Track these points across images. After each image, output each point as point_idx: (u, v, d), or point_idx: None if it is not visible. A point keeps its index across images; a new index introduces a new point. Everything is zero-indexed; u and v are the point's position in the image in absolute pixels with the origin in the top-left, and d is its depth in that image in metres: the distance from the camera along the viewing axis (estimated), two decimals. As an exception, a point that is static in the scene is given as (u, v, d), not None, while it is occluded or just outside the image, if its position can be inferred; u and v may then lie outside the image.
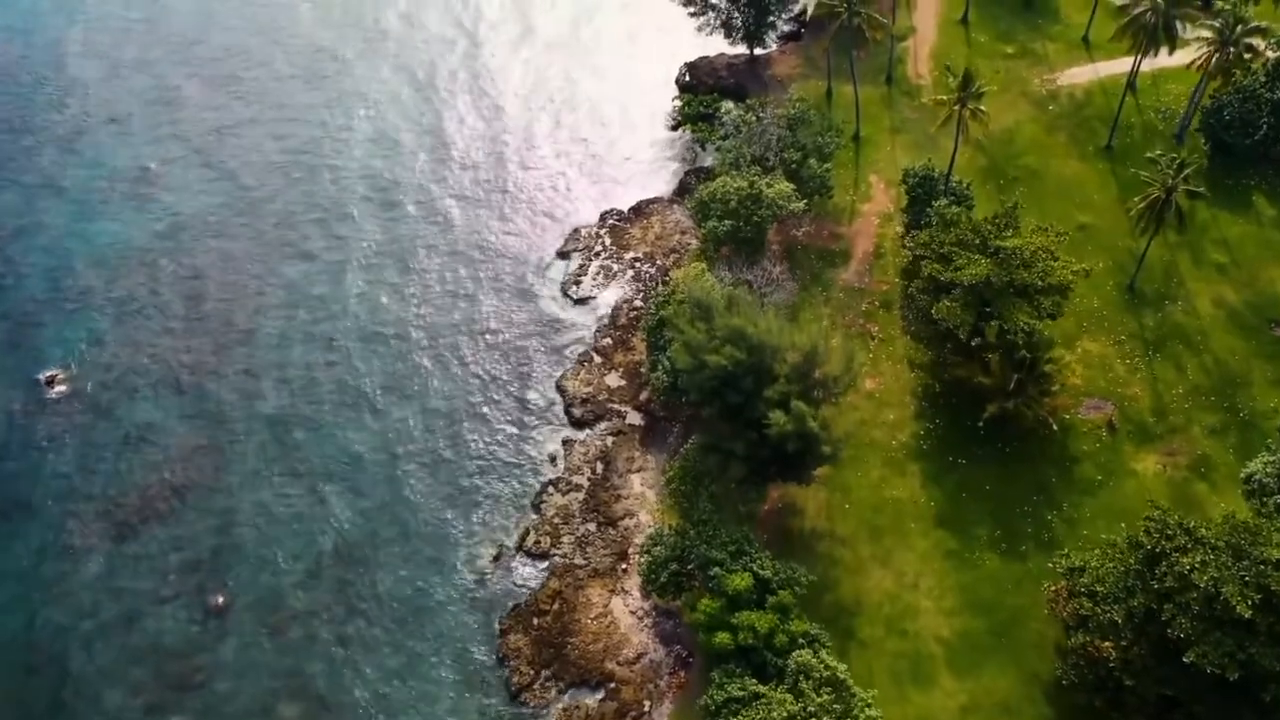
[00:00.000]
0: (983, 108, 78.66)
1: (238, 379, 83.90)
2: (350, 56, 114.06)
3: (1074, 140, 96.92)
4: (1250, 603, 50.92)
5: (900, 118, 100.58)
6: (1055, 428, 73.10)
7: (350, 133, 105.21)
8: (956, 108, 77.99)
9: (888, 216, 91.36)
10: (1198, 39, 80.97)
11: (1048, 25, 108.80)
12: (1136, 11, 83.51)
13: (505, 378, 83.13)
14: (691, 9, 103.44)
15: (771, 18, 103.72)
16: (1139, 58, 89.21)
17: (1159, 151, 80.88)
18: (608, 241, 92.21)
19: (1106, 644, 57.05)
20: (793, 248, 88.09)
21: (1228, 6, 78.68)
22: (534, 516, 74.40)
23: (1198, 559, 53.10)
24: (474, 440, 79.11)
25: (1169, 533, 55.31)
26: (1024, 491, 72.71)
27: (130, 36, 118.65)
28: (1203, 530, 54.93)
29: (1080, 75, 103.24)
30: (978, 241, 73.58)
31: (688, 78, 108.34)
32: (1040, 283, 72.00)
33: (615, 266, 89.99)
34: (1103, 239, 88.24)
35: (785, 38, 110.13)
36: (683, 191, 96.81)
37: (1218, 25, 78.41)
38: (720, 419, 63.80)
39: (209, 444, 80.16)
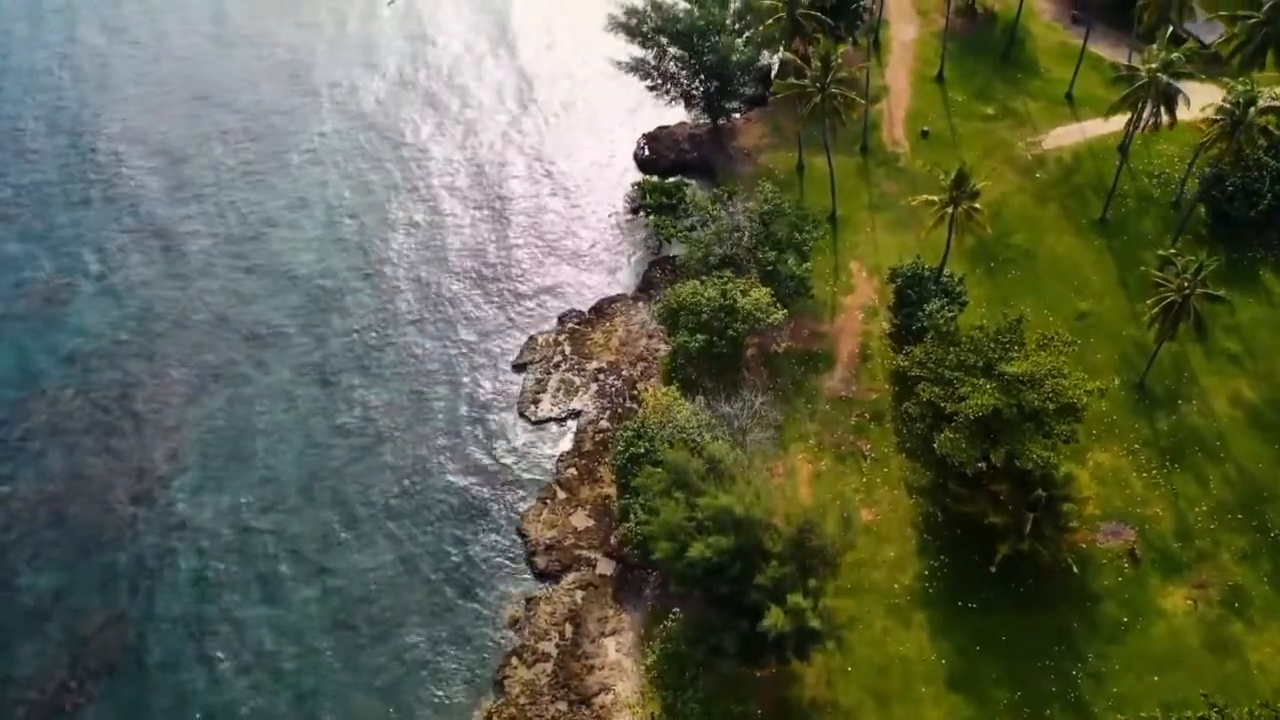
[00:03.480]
0: (978, 206, 71.02)
1: (153, 535, 74.06)
2: (283, 157, 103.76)
3: (1066, 212, 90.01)
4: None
5: (878, 192, 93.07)
6: (1075, 569, 65.71)
7: (280, 238, 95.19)
8: (949, 209, 70.23)
9: (872, 310, 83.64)
10: (1205, 119, 74.05)
11: (1027, 80, 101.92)
12: (1136, 85, 76.41)
13: (457, 522, 74.02)
14: (648, 82, 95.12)
15: (733, 86, 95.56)
16: (1134, 129, 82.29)
17: (1173, 250, 73.92)
18: (567, 350, 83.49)
19: None
20: (771, 353, 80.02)
21: (1241, 86, 71.76)
22: (496, 697, 65.51)
23: (1268, 779, 45.74)
24: (422, 604, 69.86)
25: (1230, 741, 47.96)
26: (1043, 641, 65.23)
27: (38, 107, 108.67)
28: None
29: (1066, 136, 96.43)
30: (980, 364, 66.02)
31: (646, 152, 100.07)
32: (1051, 405, 64.63)
33: (577, 380, 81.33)
34: (1105, 327, 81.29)
35: (749, 102, 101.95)
36: (647, 286, 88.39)
37: (1227, 106, 71.47)
38: (705, 605, 55.59)
39: (122, 617, 70.38)
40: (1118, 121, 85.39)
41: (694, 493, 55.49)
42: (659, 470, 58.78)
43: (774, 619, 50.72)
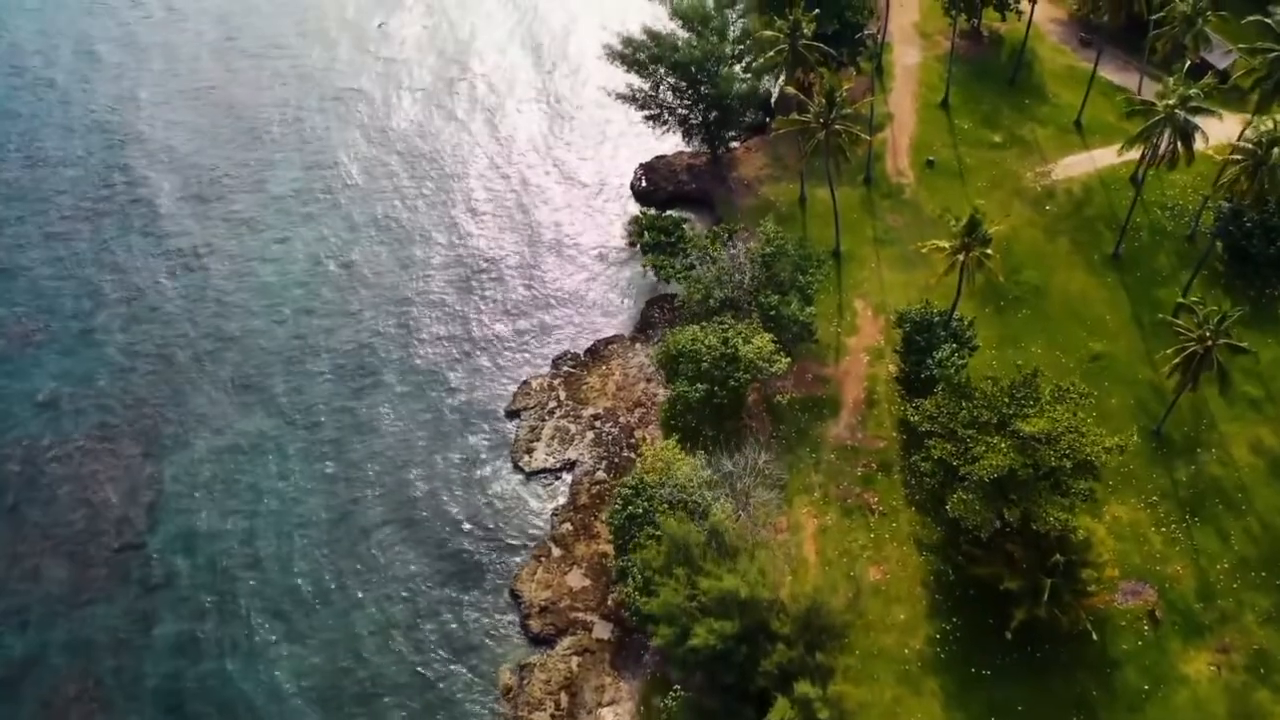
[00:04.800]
0: (989, 251, 68.07)
1: (130, 596, 70.95)
2: (265, 192, 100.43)
3: (1077, 247, 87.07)
4: None
5: (883, 226, 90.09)
6: (1094, 635, 62.78)
7: (264, 274, 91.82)
8: (960, 256, 67.26)
9: (878, 353, 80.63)
10: (1226, 158, 71.18)
11: (1035, 106, 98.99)
12: (1152, 121, 73.52)
13: (447, 582, 70.90)
14: (645, 113, 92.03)
15: (733, 116, 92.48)
16: (1148, 166, 79.39)
17: (1195, 298, 70.97)
18: (562, 395, 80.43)
19: None
20: (774, 400, 76.92)
21: (1264, 125, 68.91)
22: (488, 775, 62.73)
23: None
24: (409, 671, 66.65)
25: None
26: (1061, 711, 62.34)
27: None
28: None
29: (1076, 166, 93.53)
30: (994, 420, 63.09)
31: (644, 182, 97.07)
32: (1069, 464, 61.75)
33: (572, 428, 78.29)
34: (1120, 370, 78.39)
35: (749, 129, 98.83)
36: (645, 326, 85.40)
37: (1249, 147, 68.60)
38: (708, 689, 52.61)
39: (97, 685, 67.23)
40: (1128, 151, 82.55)
41: (695, 569, 52.51)
42: (658, 544, 55.76)
43: (780, 713, 47.79)
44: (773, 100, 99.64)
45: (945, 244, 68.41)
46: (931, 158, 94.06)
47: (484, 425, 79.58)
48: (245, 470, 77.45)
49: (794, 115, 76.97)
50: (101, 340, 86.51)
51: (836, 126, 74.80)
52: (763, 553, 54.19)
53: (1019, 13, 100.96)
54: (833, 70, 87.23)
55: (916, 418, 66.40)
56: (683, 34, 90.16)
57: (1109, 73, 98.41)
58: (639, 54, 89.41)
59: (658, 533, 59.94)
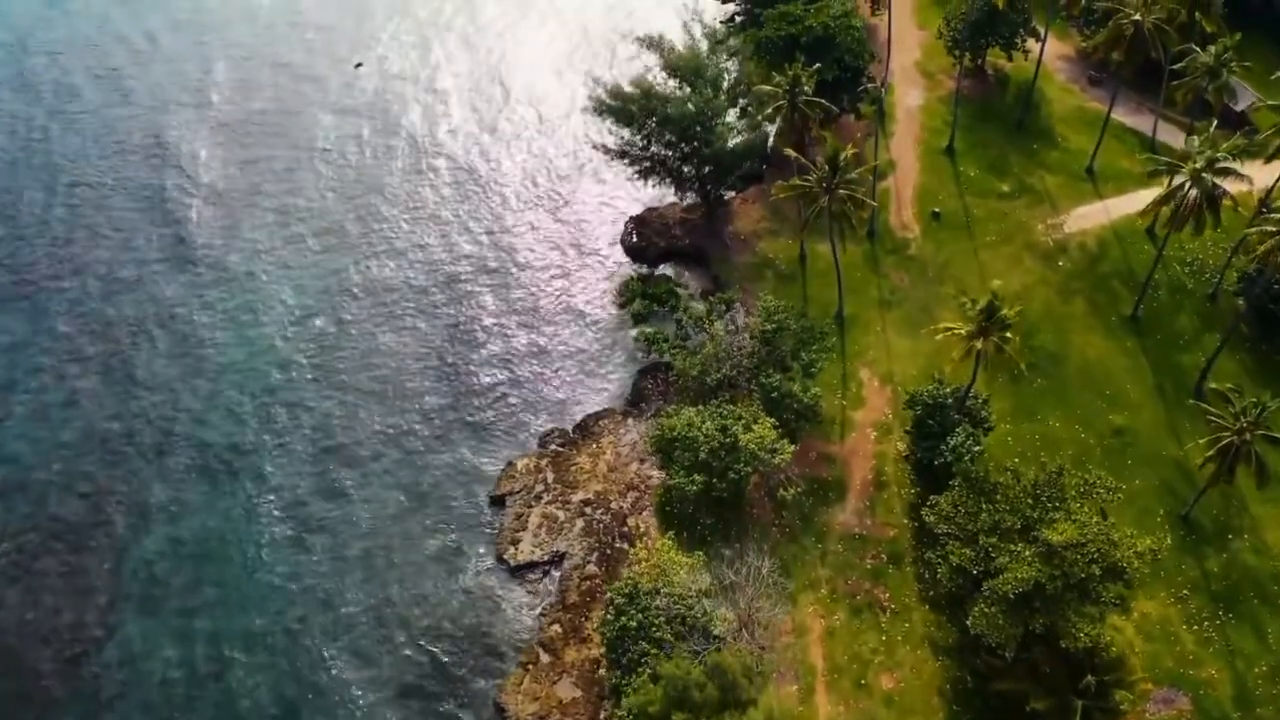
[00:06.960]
0: (1009, 334, 63.13)
1: (84, 712, 65.43)
2: (230, 248, 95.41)
3: (1093, 307, 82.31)
4: None
5: (888, 285, 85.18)
6: (1128, 757, 58.06)
7: (231, 344, 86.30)
8: (976, 342, 62.29)
9: (885, 428, 75.70)
10: (1257, 231, 66.51)
11: (1044, 151, 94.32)
12: (1176, 185, 68.80)
13: (426, 693, 65.48)
14: (636, 168, 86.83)
15: (728, 171, 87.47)
16: (1169, 231, 74.58)
17: (1230, 385, 65.99)
18: (550, 478, 75.18)
19: None
20: (775, 485, 71.80)
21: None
22: None
23: None
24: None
25: None
26: (1094, 839, 57.52)
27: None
28: None
29: (1089, 217, 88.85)
30: (1018, 526, 58.17)
31: (634, 237, 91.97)
32: (1098, 570, 56.90)
33: (561, 515, 73.08)
34: (1143, 447, 73.62)
35: (746, 179, 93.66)
36: (637, 399, 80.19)
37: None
38: None
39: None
40: (1143, 199, 77.78)
41: (696, 716, 47.50)
42: (653, 683, 50.71)
43: None
44: (769, 145, 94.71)
45: (961, 328, 63.38)
46: (937, 209, 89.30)
47: (466, 513, 74.13)
48: (206, 567, 71.92)
49: (795, 180, 71.87)
50: (55, 420, 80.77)
51: (840, 192, 69.81)
52: (769, 691, 49.11)
53: (1025, 52, 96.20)
54: (833, 123, 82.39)
55: (932, 518, 61.47)
56: (673, 84, 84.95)
57: (1121, 114, 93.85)
58: (629, 106, 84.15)
59: (651, 653, 54.96)
